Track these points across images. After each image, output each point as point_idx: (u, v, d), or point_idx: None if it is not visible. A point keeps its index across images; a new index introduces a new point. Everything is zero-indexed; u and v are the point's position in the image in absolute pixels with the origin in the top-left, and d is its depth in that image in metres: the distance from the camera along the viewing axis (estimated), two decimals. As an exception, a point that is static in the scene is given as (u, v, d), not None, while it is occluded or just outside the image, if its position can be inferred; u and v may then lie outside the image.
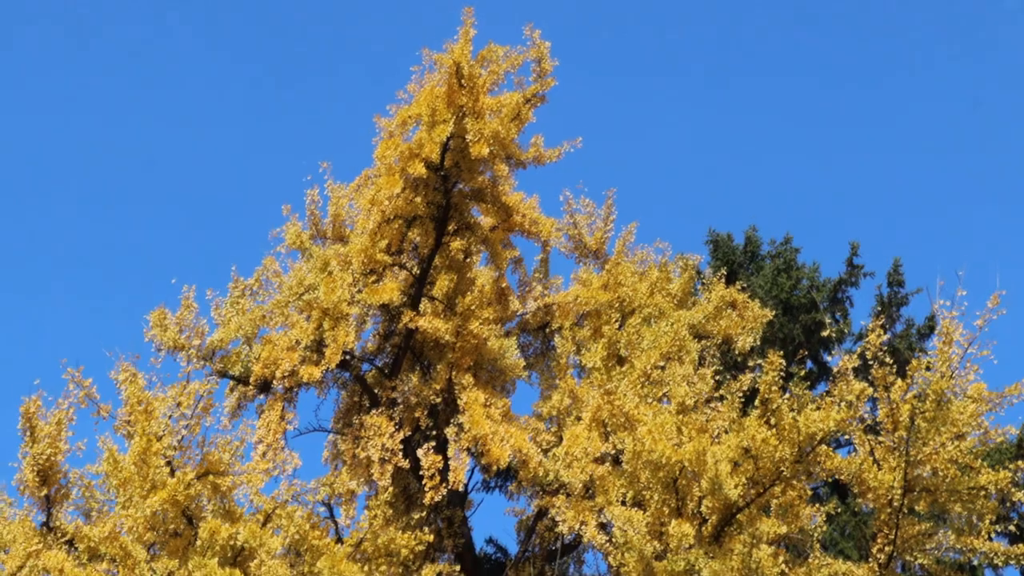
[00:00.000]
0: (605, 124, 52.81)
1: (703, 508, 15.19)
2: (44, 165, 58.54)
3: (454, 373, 17.85)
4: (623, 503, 15.88)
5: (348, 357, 18.02)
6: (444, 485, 17.04)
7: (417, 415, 17.82)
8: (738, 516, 15.02)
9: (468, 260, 18.72)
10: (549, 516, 17.65)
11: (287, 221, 19.29)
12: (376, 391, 18.59)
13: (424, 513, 17.71)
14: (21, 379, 57.30)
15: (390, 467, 16.95)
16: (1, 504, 16.27)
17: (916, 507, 15.20)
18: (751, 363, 17.96)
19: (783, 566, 14.77)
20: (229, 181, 62.90)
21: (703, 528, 15.05)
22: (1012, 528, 17.89)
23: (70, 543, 15.69)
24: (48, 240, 61.33)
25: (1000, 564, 15.82)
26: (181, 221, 63.96)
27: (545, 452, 17.20)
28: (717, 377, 17.88)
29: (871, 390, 15.08)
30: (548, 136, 19.10)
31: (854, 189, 55.53)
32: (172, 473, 15.45)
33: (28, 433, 15.98)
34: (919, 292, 24.46)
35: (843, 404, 14.91)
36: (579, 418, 17.53)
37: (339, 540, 16.65)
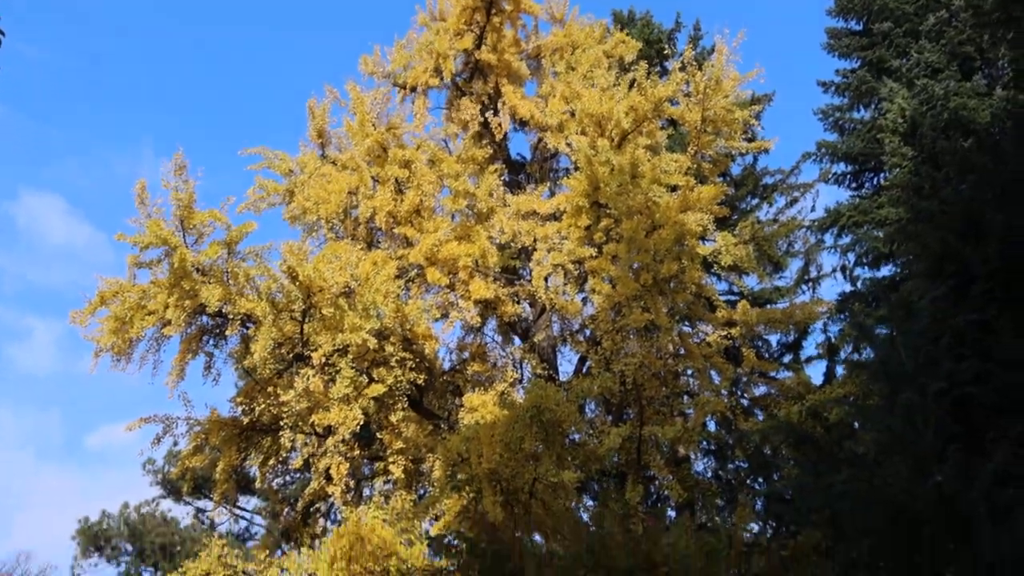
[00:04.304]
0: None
1: (612, 133, 17.30)
2: None
3: (498, 79, 19.75)
4: (576, 133, 17.67)
5: (451, 75, 19.30)
6: (500, 128, 19.04)
7: (483, 98, 19.58)
8: (627, 136, 17.42)
9: (501, 26, 19.98)
10: (544, 142, 19.18)
11: (418, 13, 20.29)
12: (462, 88, 20.06)
13: (486, 142, 19.54)
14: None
15: (474, 122, 19.08)
16: (302, 149, 18.93)
17: (707, 129, 17.48)
18: (632, 69, 18.29)
19: (649, 154, 17.04)
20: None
21: (612, 143, 17.20)
22: (750, 136, 19.03)
23: (333, 163, 18.48)
24: None
25: (744, 152, 18.40)
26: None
27: (542, 111, 18.92)
28: (616, 74, 18.60)
29: (686, 76, 17.24)
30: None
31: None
32: (375, 127, 17.92)
33: (310, 114, 18.83)
34: (707, 32, 24.85)
35: (674, 83, 17.31)
36: (554, 95, 19.00)
37: (450, 153, 18.77)
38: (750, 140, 18.51)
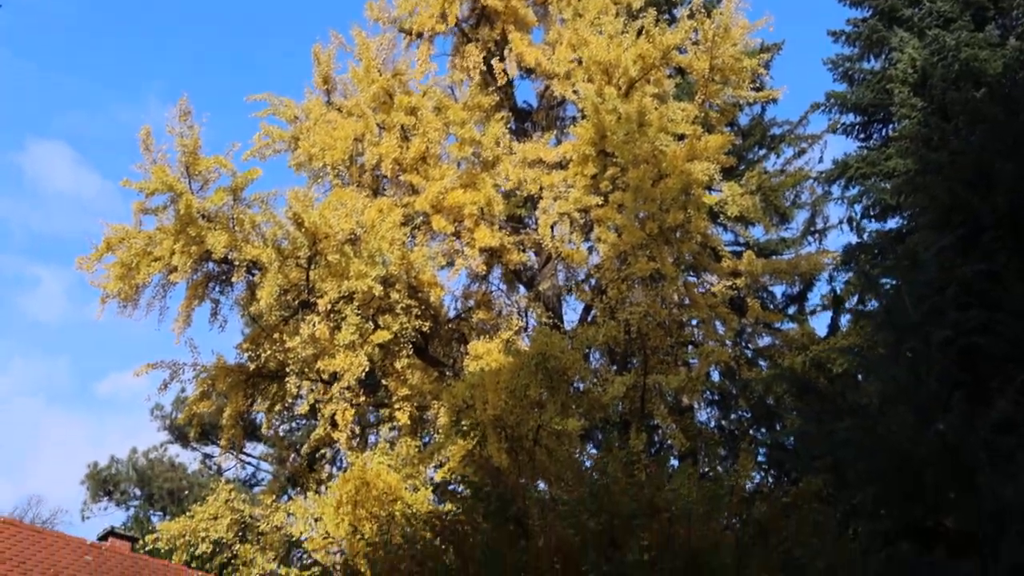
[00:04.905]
0: None
1: (619, 81, 16.86)
2: None
3: (504, 25, 19.10)
4: (583, 81, 17.24)
5: (455, 20, 18.89)
6: (505, 74, 18.61)
7: (489, 45, 18.98)
8: (635, 84, 17.05)
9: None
10: (551, 89, 18.98)
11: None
12: (469, 35, 19.52)
13: (492, 90, 18.80)
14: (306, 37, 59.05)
15: (476, 70, 18.51)
16: (307, 96, 18.58)
17: (715, 78, 17.32)
18: (640, 16, 17.98)
19: (656, 103, 16.81)
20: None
21: (619, 91, 16.58)
22: (758, 85, 18.85)
23: (339, 109, 18.27)
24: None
25: (751, 101, 18.59)
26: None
27: (549, 58, 18.44)
28: (624, 21, 17.80)
29: (695, 24, 17.07)
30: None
31: None
32: (380, 74, 17.75)
33: (316, 60, 18.38)
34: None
35: (682, 31, 17.18)
36: (561, 42, 18.52)
37: (456, 101, 18.53)
38: (758, 90, 18.43)
